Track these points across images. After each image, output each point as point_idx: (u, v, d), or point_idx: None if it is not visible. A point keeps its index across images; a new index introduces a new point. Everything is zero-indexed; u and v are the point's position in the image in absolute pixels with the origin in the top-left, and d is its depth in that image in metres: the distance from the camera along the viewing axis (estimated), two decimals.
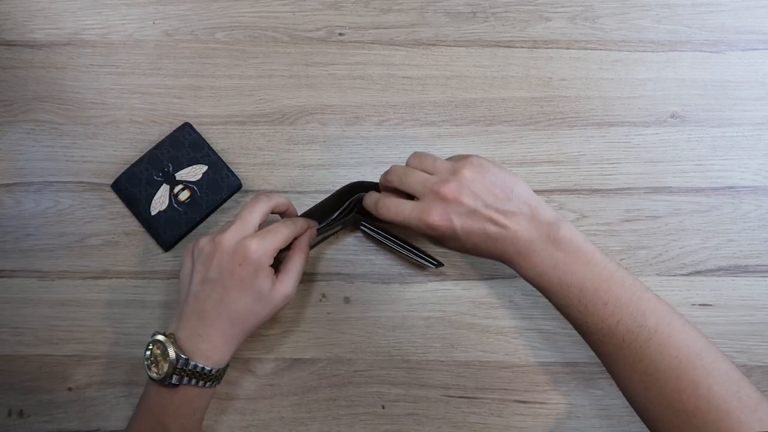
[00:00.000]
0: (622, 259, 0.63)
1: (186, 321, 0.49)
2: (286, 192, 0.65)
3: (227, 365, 0.52)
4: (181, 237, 0.63)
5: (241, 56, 0.67)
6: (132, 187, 0.63)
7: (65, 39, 0.67)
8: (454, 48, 0.67)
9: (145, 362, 0.48)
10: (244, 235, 0.51)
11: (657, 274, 0.63)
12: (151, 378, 0.48)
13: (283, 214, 0.58)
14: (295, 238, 0.55)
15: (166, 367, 0.47)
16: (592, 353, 0.60)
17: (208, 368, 0.48)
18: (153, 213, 0.63)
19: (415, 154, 0.53)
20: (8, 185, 0.65)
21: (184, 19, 0.68)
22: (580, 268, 0.46)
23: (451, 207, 0.48)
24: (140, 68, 0.67)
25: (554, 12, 0.67)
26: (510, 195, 0.48)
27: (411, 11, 0.67)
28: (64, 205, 0.64)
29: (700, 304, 0.63)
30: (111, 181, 0.64)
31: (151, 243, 0.64)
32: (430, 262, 0.59)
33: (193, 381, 0.48)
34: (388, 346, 0.62)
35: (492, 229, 0.48)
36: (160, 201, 0.63)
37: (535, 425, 0.61)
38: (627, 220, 0.64)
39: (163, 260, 0.64)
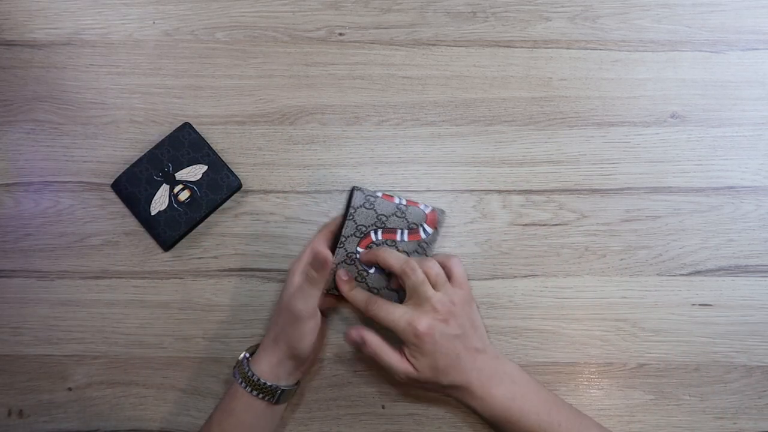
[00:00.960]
0: (622, 259, 0.63)
1: None
2: (286, 192, 0.65)
3: (275, 387, 0.55)
4: (181, 237, 0.63)
5: (241, 56, 0.67)
6: (132, 187, 0.63)
7: (65, 39, 0.67)
8: (454, 48, 0.67)
9: None
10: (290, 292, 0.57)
11: (657, 274, 0.63)
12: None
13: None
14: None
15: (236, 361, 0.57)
16: (592, 353, 0.61)
17: (252, 373, 0.54)
18: (153, 213, 0.63)
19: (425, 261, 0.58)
20: (8, 185, 0.65)
21: (184, 19, 0.68)
22: (533, 398, 0.56)
23: (439, 324, 0.55)
24: (140, 68, 0.67)
25: (554, 12, 0.67)
26: (482, 335, 0.58)
27: (411, 11, 0.67)
28: (63, 205, 0.64)
29: (700, 304, 0.63)
30: (111, 181, 0.64)
31: (151, 243, 0.64)
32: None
33: (240, 380, 0.55)
34: None
35: (465, 357, 0.55)
36: (160, 201, 0.63)
37: None
38: (627, 220, 0.64)
39: (163, 260, 0.64)
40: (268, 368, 0.55)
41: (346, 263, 0.59)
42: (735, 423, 0.60)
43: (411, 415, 0.61)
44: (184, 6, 0.68)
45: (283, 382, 0.55)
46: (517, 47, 0.67)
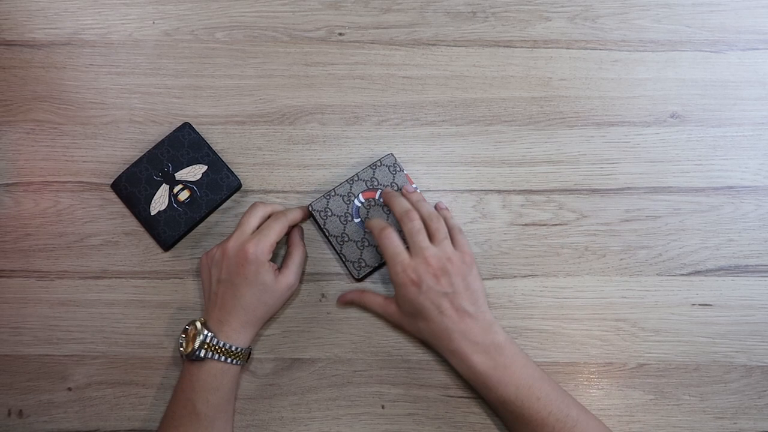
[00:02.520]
0: (621, 259, 0.63)
1: (211, 311, 0.58)
2: (286, 192, 0.65)
3: (249, 349, 0.59)
4: (181, 237, 0.63)
5: (241, 56, 0.67)
6: (132, 187, 0.63)
7: (65, 39, 0.67)
8: (454, 48, 0.67)
9: (180, 341, 0.57)
10: (243, 240, 0.58)
11: (657, 274, 0.63)
12: (185, 355, 0.56)
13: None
14: (291, 233, 0.63)
15: (197, 342, 0.55)
16: (592, 353, 0.61)
17: (229, 345, 0.56)
18: (153, 213, 0.63)
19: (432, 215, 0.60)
20: (8, 185, 0.65)
21: (184, 19, 0.68)
22: (517, 371, 0.55)
23: (428, 278, 0.55)
24: (140, 68, 0.67)
25: (554, 12, 0.67)
26: (476, 300, 0.57)
27: (411, 11, 0.68)
28: (63, 205, 0.64)
29: (700, 304, 0.62)
30: (111, 181, 0.64)
31: (150, 243, 0.64)
32: (350, 273, 0.62)
33: (217, 356, 0.56)
34: (388, 346, 0.62)
35: (450, 315, 0.56)
36: (159, 201, 0.63)
37: None
38: (627, 220, 0.64)
39: (163, 260, 0.64)
40: (240, 336, 0.57)
41: (341, 197, 0.62)
42: (735, 423, 0.60)
43: (411, 415, 0.61)
44: (184, 6, 0.68)
45: (248, 342, 0.59)
46: (517, 47, 0.67)
